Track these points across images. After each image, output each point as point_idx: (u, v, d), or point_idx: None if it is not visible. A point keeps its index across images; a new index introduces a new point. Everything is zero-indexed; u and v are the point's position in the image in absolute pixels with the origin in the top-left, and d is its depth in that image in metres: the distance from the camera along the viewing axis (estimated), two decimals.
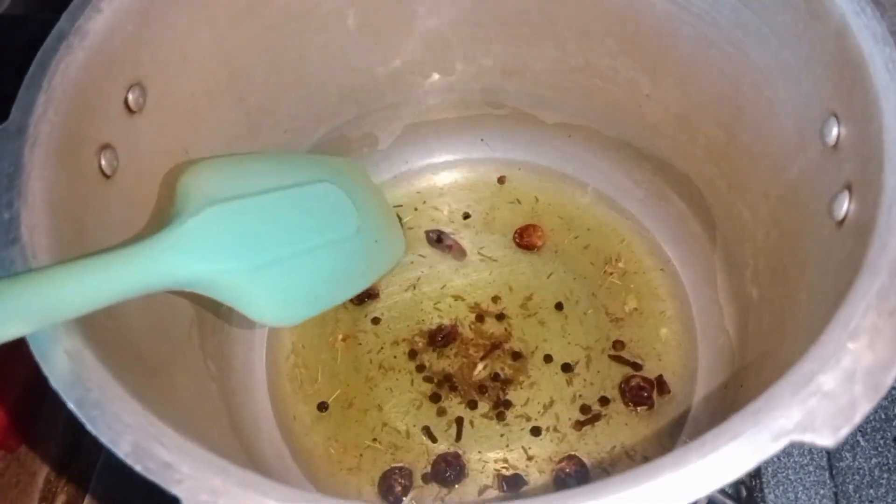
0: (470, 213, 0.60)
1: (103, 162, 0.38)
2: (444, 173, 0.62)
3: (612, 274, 0.56)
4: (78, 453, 0.54)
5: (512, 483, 0.49)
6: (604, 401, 0.52)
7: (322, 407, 0.53)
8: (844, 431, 0.25)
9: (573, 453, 0.50)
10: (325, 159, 0.58)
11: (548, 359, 0.54)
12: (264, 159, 0.52)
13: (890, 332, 0.27)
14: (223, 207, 0.42)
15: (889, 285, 0.28)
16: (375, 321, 0.56)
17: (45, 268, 0.32)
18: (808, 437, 0.25)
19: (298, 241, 0.47)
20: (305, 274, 0.47)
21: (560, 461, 0.50)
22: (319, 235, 0.49)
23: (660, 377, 0.52)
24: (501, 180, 0.61)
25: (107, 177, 0.39)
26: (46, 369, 0.29)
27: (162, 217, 0.42)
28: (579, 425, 0.51)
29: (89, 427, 0.27)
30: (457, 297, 0.56)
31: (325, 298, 0.50)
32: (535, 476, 0.50)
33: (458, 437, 0.51)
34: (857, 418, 0.26)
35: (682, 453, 0.25)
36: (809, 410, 0.26)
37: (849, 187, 0.35)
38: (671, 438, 0.51)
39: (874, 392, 0.26)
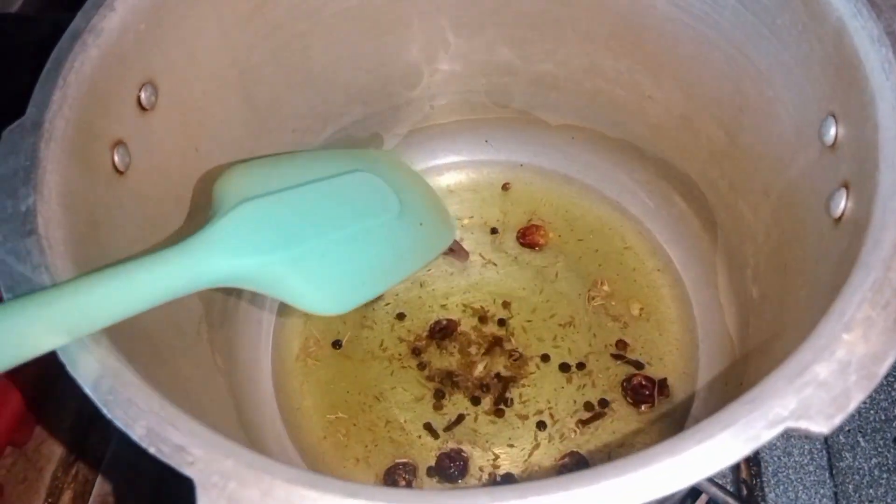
0: (473, 214, 0.61)
1: (116, 158, 0.39)
2: (448, 174, 0.63)
3: (594, 298, 0.57)
4: (84, 450, 0.55)
5: (513, 480, 0.50)
6: (605, 400, 0.52)
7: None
8: (838, 419, 0.26)
9: (575, 450, 0.51)
10: (359, 152, 0.58)
11: (550, 358, 0.54)
12: (297, 158, 0.52)
13: (883, 323, 0.28)
14: (258, 202, 0.42)
15: (883, 279, 0.29)
16: (380, 319, 0.56)
17: (85, 276, 0.32)
18: (803, 424, 0.26)
19: (338, 227, 0.46)
20: (350, 260, 0.47)
21: (562, 457, 0.50)
22: (359, 220, 0.48)
23: (662, 380, 0.53)
24: (506, 187, 0.62)
25: (120, 172, 0.40)
26: (64, 357, 0.30)
27: (198, 221, 0.42)
28: (582, 424, 0.51)
29: (105, 411, 0.28)
30: (460, 297, 0.57)
31: (374, 284, 0.49)
32: (538, 473, 0.50)
33: (452, 429, 0.52)
34: (851, 407, 0.26)
35: (678, 440, 0.26)
36: (804, 399, 0.26)
37: (846, 185, 0.36)
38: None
39: (868, 382, 0.27)
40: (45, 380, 0.54)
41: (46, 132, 0.35)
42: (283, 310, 0.57)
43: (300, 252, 0.43)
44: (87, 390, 0.29)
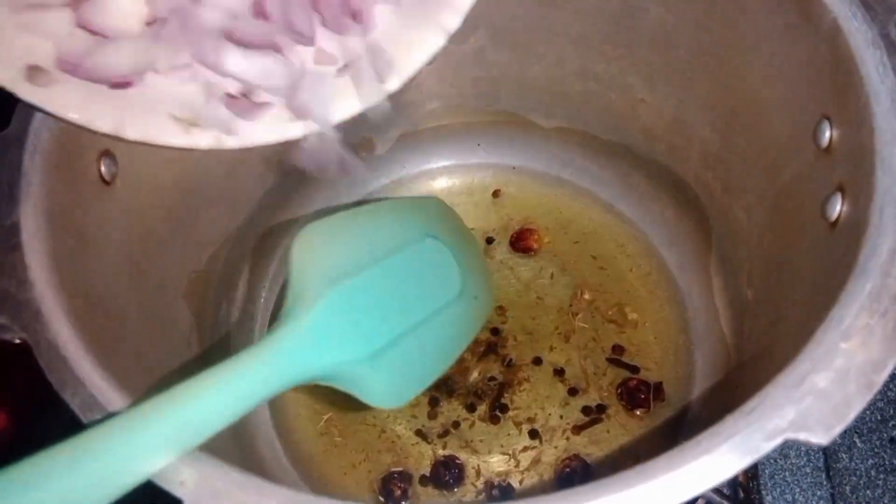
0: (467, 219, 0.60)
1: (103, 168, 0.39)
2: (440, 178, 0.62)
3: (589, 302, 0.56)
4: None
5: (508, 489, 0.50)
6: (602, 405, 0.52)
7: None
8: (838, 429, 0.26)
9: (576, 453, 0.50)
10: (420, 203, 0.57)
11: (543, 362, 0.54)
12: (367, 215, 0.50)
13: (882, 331, 0.28)
14: (342, 289, 0.39)
15: (880, 286, 0.29)
16: None
17: (159, 396, 0.29)
18: (803, 436, 0.26)
19: (412, 314, 0.45)
20: (417, 351, 0.45)
21: (560, 463, 0.50)
22: (430, 304, 0.47)
23: (658, 384, 0.52)
24: (496, 194, 0.62)
25: (106, 183, 0.39)
26: (52, 378, 0.29)
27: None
28: (578, 429, 0.51)
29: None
30: None
31: (433, 371, 0.48)
32: (535, 479, 0.50)
33: (446, 436, 0.51)
34: (851, 416, 0.26)
35: (676, 454, 0.26)
36: (803, 409, 0.26)
37: (841, 189, 0.35)
38: (671, 440, 0.51)
39: (867, 391, 0.26)
40: (37, 391, 0.53)
41: (31, 144, 0.35)
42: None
43: (379, 347, 0.41)
44: (74, 407, 0.28)
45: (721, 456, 0.26)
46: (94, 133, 0.37)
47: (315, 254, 0.40)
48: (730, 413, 0.27)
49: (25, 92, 0.33)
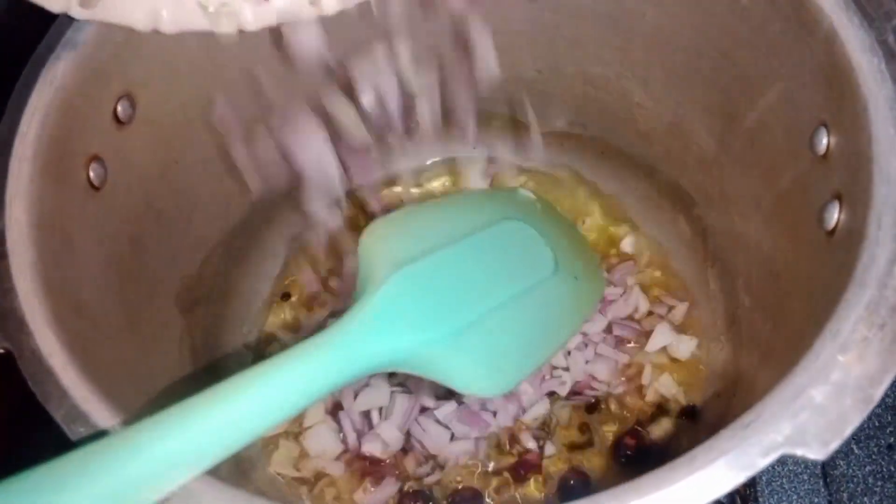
0: None
1: (92, 174, 0.38)
2: (435, 182, 0.62)
3: None
4: None
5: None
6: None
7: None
8: (834, 445, 0.25)
9: (576, 465, 0.50)
10: (500, 193, 0.54)
11: None
12: (439, 206, 0.48)
13: (879, 344, 0.27)
14: (411, 270, 0.38)
15: (878, 298, 0.28)
16: None
17: (228, 382, 0.28)
18: (799, 451, 0.25)
19: (496, 293, 0.41)
20: (509, 330, 0.41)
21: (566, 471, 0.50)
22: (517, 282, 0.43)
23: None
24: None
25: (95, 189, 0.39)
26: (35, 389, 0.29)
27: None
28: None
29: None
30: None
31: (535, 355, 0.43)
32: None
33: None
34: (848, 431, 0.26)
35: (669, 470, 0.25)
36: (799, 424, 0.26)
37: (839, 197, 0.35)
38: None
39: (864, 405, 0.26)
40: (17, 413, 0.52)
41: (17, 151, 0.34)
42: (268, 328, 0.56)
43: (460, 325, 0.38)
44: (59, 419, 0.28)
45: (716, 472, 0.25)
46: (85, 134, 0.37)
47: (382, 242, 0.39)
48: (726, 423, 0.27)
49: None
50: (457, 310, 0.39)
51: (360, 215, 0.59)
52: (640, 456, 0.49)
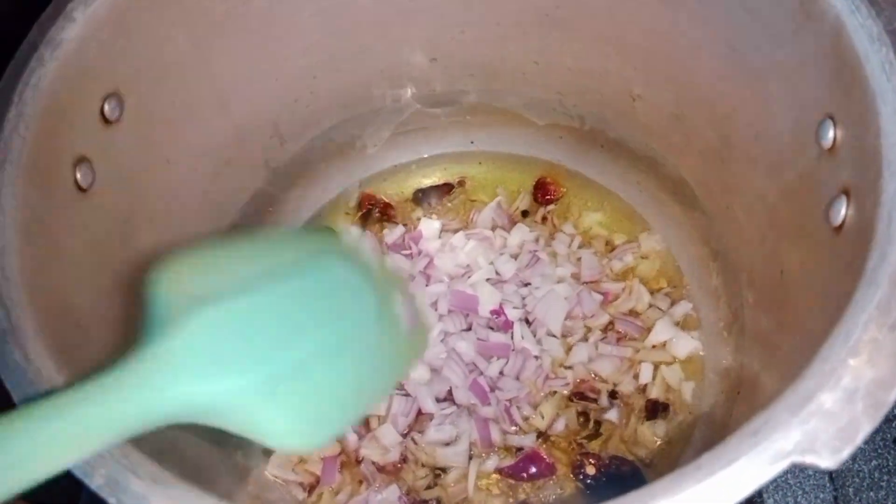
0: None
1: (79, 175, 0.37)
2: (433, 176, 0.61)
3: None
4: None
5: None
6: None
7: None
8: (846, 453, 0.24)
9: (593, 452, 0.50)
10: (312, 237, 0.50)
11: None
12: (248, 243, 0.42)
13: (891, 346, 0.26)
14: (216, 308, 0.33)
15: (889, 297, 0.28)
16: None
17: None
18: (809, 459, 0.25)
19: (312, 337, 0.37)
20: (328, 378, 0.37)
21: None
22: (336, 325, 0.39)
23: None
24: (462, 183, 0.61)
25: (83, 190, 0.38)
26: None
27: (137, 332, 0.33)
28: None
29: None
30: None
31: (355, 406, 0.40)
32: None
33: None
34: (860, 439, 0.25)
35: (677, 477, 0.24)
36: (809, 431, 0.25)
37: (846, 192, 0.34)
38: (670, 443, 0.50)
39: (875, 411, 0.25)
40: None
41: (1, 154, 0.33)
42: None
43: (273, 373, 0.34)
44: None
45: (724, 480, 0.24)
46: (71, 134, 0.36)
47: (183, 277, 0.34)
48: (732, 423, 0.26)
49: None
50: (269, 355, 0.34)
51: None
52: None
